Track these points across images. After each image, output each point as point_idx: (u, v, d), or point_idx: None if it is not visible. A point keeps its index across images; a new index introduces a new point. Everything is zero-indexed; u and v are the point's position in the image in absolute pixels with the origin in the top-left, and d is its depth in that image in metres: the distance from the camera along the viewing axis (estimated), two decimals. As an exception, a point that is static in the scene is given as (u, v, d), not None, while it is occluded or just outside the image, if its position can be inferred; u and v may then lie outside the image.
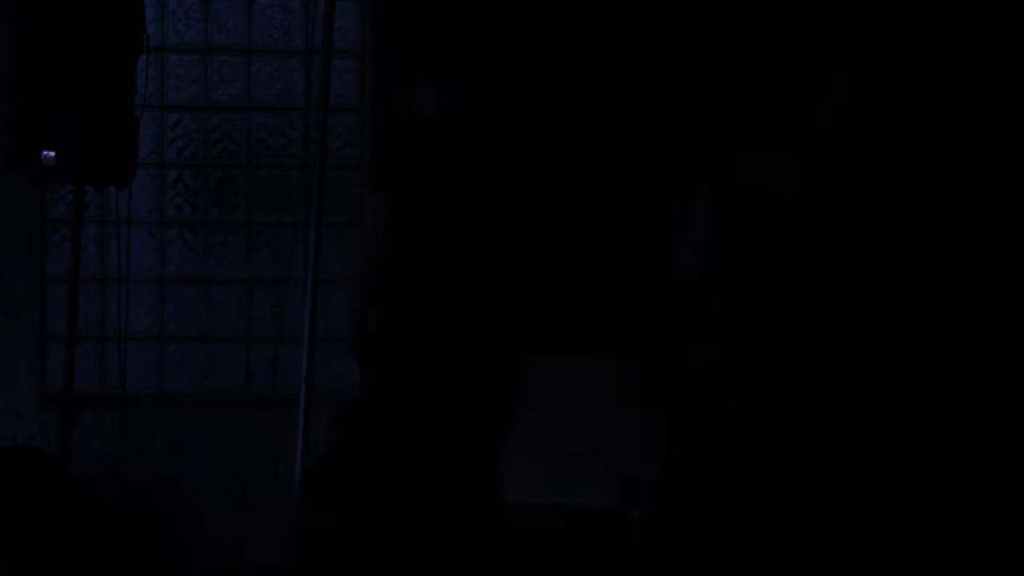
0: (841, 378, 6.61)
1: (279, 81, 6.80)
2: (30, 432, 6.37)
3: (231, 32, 6.79)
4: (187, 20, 6.77)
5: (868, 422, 6.62)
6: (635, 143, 6.05)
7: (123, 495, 6.33)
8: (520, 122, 5.91)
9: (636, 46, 6.49)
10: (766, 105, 5.97)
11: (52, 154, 5.43)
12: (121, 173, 5.63)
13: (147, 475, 6.47)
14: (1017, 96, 6.57)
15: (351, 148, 6.82)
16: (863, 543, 6.42)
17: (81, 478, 5.82)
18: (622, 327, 5.61)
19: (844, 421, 6.58)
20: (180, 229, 6.78)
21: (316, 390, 6.03)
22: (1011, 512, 6.34)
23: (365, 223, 5.68)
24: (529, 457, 5.35)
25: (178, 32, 6.76)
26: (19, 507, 5.72)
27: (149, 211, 6.73)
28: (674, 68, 6.16)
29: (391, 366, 5.19)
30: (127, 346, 6.08)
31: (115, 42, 5.43)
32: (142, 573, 6.39)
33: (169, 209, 6.77)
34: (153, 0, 6.50)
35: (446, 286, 5.01)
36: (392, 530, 4.99)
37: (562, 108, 6.22)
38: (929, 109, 6.77)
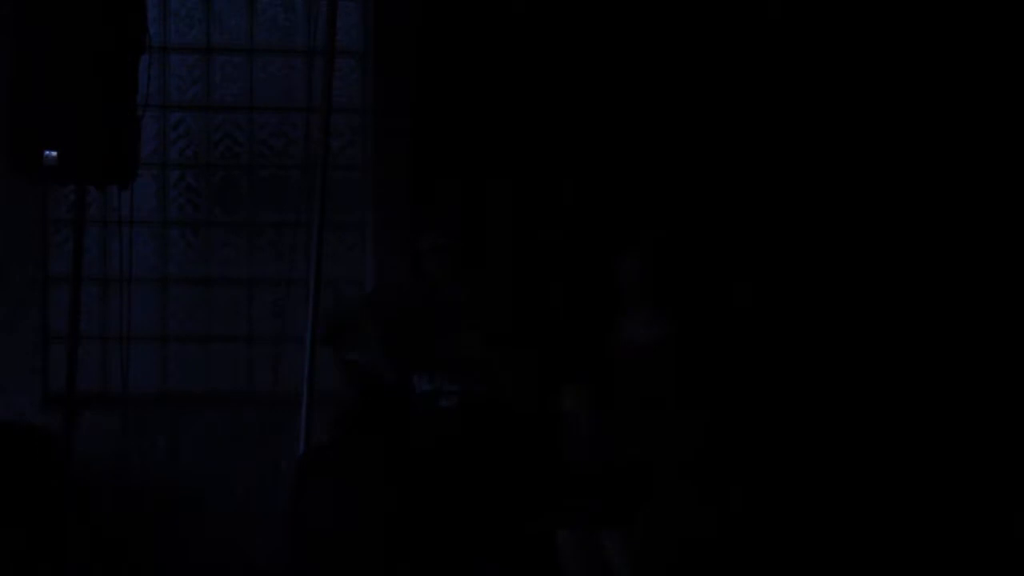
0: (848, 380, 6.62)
1: (281, 81, 6.80)
2: (32, 431, 6.39)
3: (233, 32, 6.80)
4: (189, 20, 6.77)
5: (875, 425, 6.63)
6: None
7: (124, 494, 6.33)
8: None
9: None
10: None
11: (54, 154, 5.42)
12: (123, 173, 5.61)
13: (148, 474, 6.47)
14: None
15: (353, 148, 6.83)
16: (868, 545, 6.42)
17: (82, 477, 5.81)
18: None
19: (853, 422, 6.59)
20: (182, 229, 6.79)
21: (317, 390, 6.04)
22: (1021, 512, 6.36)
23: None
24: None
25: (180, 32, 6.77)
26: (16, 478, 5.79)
27: (151, 211, 6.74)
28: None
29: None
30: (129, 345, 6.07)
31: (116, 42, 5.42)
32: (142, 572, 6.39)
33: (171, 209, 6.78)
34: (155, 0, 6.50)
35: None
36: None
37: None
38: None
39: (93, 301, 6.56)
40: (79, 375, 5.74)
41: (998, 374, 6.66)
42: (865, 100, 6.71)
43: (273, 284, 6.69)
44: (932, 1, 6.69)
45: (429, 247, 5.96)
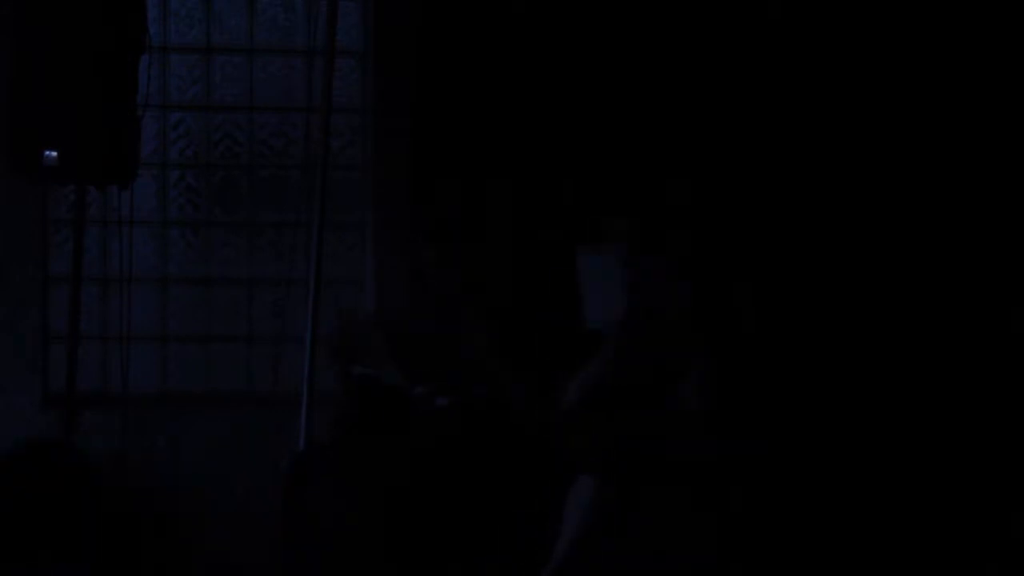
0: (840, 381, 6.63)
1: (281, 81, 6.81)
2: (31, 431, 6.38)
3: (233, 32, 6.80)
4: (189, 20, 6.77)
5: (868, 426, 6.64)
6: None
7: (123, 494, 6.33)
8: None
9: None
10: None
11: (54, 154, 5.43)
12: (123, 173, 5.63)
13: (148, 474, 6.47)
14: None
15: (353, 148, 6.83)
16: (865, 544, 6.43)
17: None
18: None
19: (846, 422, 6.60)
20: (182, 229, 6.79)
21: (317, 390, 6.04)
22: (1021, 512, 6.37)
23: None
24: None
25: (180, 32, 6.77)
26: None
27: (151, 211, 6.74)
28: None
29: None
30: (129, 346, 6.08)
31: (116, 42, 5.44)
32: (142, 572, 6.39)
33: (171, 209, 6.78)
34: (155, 0, 6.50)
35: None
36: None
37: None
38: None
39: (93, 301, 6.55)
40: (79, 375, 5.76)
41: (998, 375, 6.66)
42: (864, 100, 6.71)
43: (273, 284, 6.69)
44: (932, 1, 6.70)
45: (429, 260, 5.98)
